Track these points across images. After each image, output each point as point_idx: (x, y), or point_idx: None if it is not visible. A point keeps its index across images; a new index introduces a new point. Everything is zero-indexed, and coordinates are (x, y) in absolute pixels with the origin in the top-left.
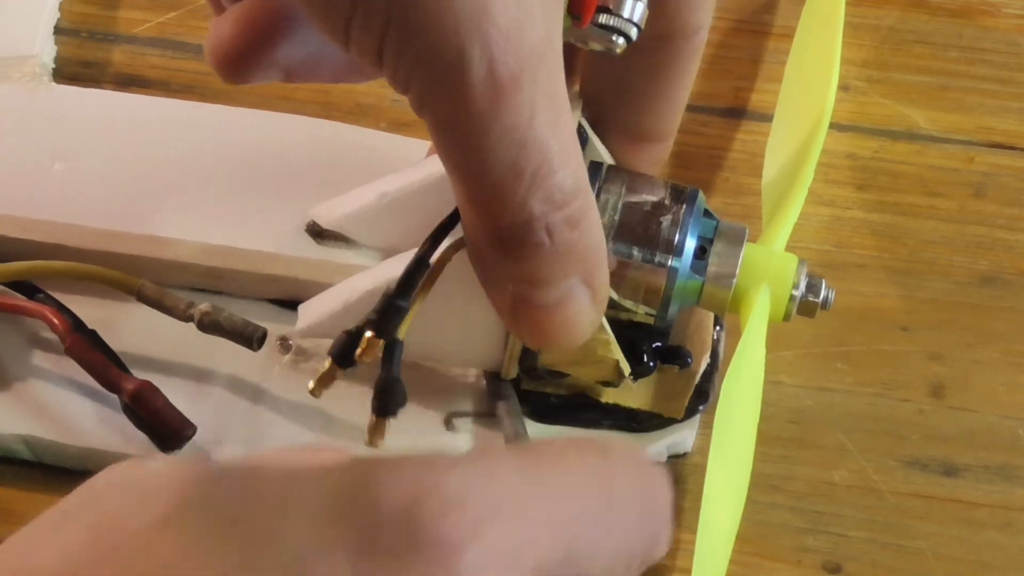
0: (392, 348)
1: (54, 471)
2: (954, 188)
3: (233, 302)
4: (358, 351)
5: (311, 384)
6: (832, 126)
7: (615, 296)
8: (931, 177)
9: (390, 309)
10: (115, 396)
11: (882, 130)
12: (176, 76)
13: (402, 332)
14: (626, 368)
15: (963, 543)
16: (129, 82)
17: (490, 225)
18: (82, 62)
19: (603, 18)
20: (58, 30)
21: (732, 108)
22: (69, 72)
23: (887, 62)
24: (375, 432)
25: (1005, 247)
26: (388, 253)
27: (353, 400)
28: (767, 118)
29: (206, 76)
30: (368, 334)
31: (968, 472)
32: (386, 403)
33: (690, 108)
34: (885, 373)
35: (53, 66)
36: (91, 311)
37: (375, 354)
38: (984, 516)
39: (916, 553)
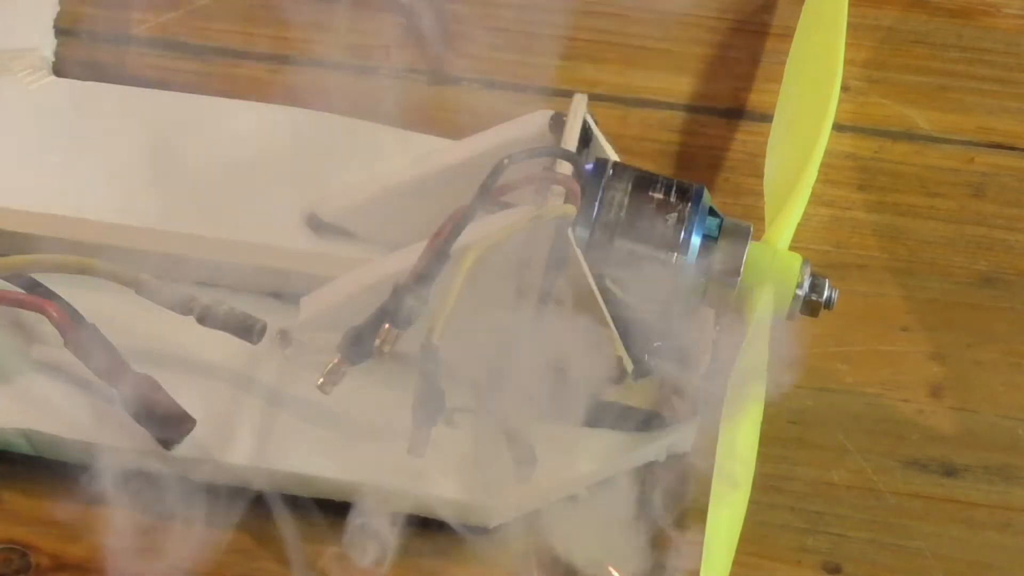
0: (429, 354)
1: (55, 473)
2: (954, 188)
3: (232, 295)
4: (378, 342)
5: (320, 380)
6: (832, 126)
7: (619, 293)
8: (931, 177)
9: (410, 300)
10: (115, 390)
11: (882, 130)
12: (176, 76)
13: (436, 335)
14: (629, 365)
15: (963, 543)
16: (129, 82)
17: None
18: (82, 62)
19: None
20: (58, 30)
21: (732, 108)
22: (69, 72)
23: (887, 62)
24: (417, 443)
25: (1005, 247)
26: (389, 247)
27: (353, 393)
28: (767, 118)
29: (206, 76)
30: (386, 326)
31: (968, 472)
32: (427, 413)
33: (690, 108)
34: (885, 373)
35: (53, 59)
36: (90, 305)
37: (395, 345)
38: (984, 516)
39: (916, 553)
